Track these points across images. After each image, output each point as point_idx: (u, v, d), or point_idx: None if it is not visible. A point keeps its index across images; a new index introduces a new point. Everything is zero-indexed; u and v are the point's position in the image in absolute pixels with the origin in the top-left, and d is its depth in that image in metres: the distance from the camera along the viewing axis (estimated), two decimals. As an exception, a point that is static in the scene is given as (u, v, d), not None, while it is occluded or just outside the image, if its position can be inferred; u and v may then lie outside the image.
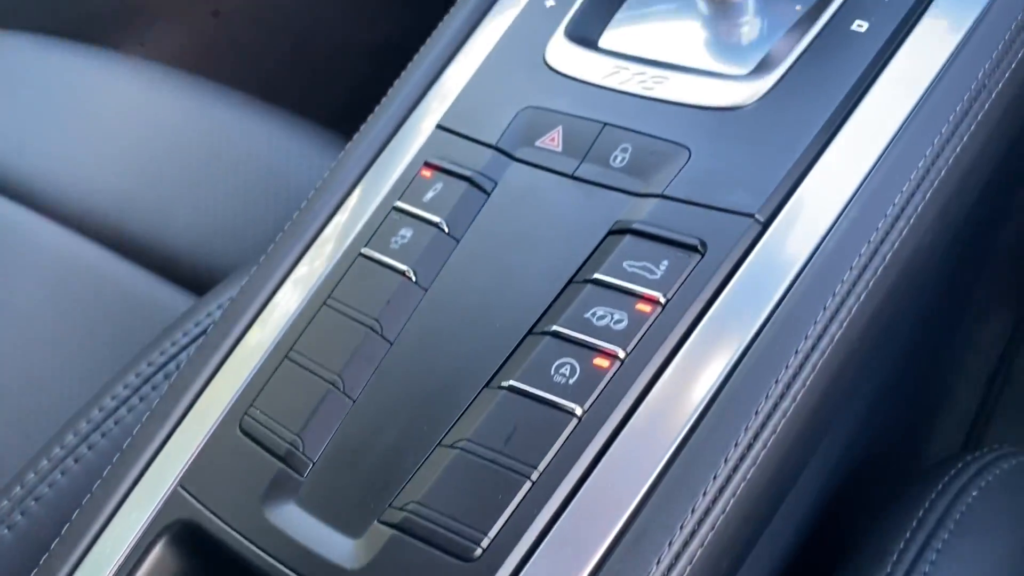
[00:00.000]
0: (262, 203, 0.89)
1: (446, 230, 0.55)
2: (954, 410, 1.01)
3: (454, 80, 0.64)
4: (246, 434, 0.53)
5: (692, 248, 0.50)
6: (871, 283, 0.48)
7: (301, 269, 0.58)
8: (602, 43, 0.64)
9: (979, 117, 0.52)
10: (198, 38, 1.34)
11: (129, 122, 1.00)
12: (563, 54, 0.61)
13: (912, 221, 0.50)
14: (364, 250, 0.56)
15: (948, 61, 0.54)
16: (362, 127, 0.63)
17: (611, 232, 0.52)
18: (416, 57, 0.67)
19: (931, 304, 0.73)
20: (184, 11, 1.35)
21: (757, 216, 0.50)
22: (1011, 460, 0.65)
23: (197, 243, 0.90)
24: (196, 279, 0.89)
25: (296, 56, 1.37)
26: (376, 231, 0.57)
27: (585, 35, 0.63)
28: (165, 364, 0.77)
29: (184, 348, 0.78)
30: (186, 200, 0.92)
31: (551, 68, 0.61)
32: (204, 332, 0.77)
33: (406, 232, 0.56)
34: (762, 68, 0.57)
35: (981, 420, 1.05)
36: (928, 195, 0.51)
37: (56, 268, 0.95)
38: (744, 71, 0.58)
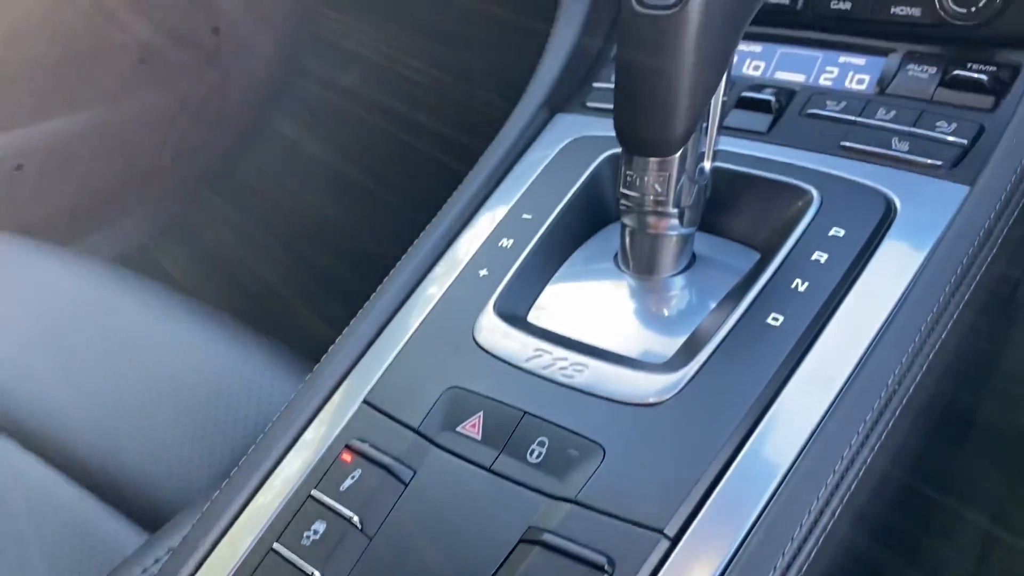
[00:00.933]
0: (213, 433, 0.89)
1: (359, 527, 0.55)
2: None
3: (387, 349, 0.65)
4: None
5: (599, 567, 0.49)
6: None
7: (215, 559, 0.57)
8: (532, 315, 0.65)
9: (890, 424, 0.52)
10: (164, 235, 1.37)
11: (83, 330, 1.00)
12: (490, 331, 0.62)
13: (819, 543, 0.49)
14: (275, 546, 0.55)
15: (860, 361, 0.54)
16: (292, 399, 0.64)
17: (523, 540, 0.51)
18: (353, 322, 0.68)
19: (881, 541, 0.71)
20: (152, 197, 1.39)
21: (666, 532, 0.49)
22: None
23: (148, 473, 0.89)
24: (146, 511, 0.87)
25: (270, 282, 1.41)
26: (290, 522, 0.56)
27: (513, 310, 0.64)
28: None
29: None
30: (139, 424, 0.92)
31: (478, 345, 0.62)
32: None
33: (319, 527, 0.55)
34: (679, 358, 0.57)
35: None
36: (845, 500, 0.51)
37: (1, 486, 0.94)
38: (665, 352, 0.59)
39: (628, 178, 0.60)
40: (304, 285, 1.41)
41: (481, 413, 0.58)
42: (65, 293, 1.06)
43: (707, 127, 0.59)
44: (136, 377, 0.96)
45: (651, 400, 0.55)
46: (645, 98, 0.56)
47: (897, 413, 0.53)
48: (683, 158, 0.58)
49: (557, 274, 0.68)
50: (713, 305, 0.61)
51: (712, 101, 0.58)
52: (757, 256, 0.64)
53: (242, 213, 1.50)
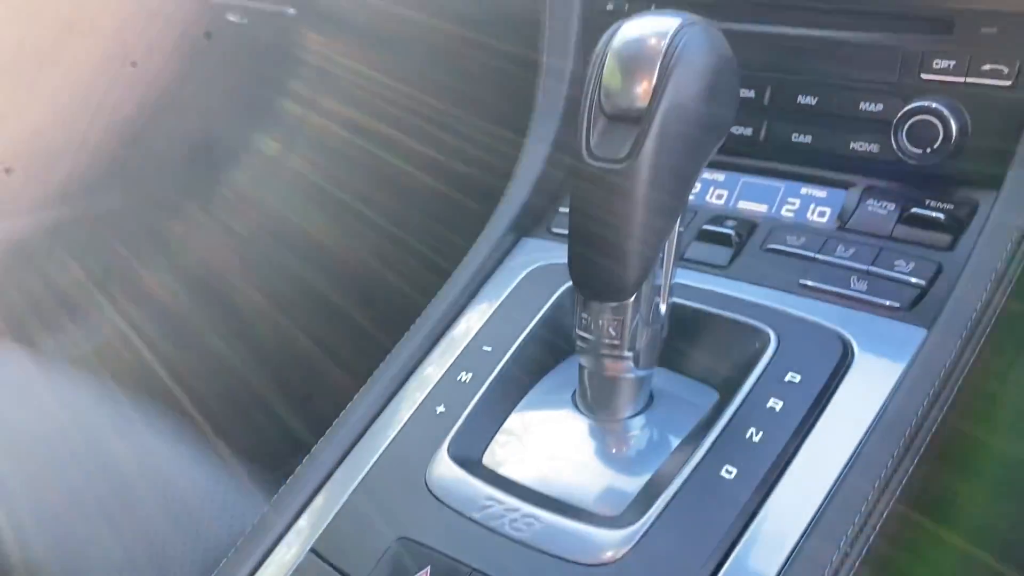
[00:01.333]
0: (172, 557, 0.87)
1: None
2: None
3: (338, 492, 0.64)
4: None
5: None
6: None
7: None
8: (488, 454, 0.64)
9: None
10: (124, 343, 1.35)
11: (43, 444, 0.98)
12: (443, 478, 0.61)
13: None
14: None
15: (812, 520, 0.53)
16: (239, 544, 0.62)
17: None
18: (306, 459, 0.67)
19: None
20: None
21: None
22: None
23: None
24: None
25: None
26: None
27: (468, 452, 0.63)
28: None
29: None
30: (98, 545, 0.90)
31: (430, 491, 0.61)
32: None
33: None
34: (632, 512, 0.56)
35: None
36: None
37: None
38: (622, 495, 0.57)
39: (583, 320, 0.60)
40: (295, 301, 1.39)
41: (428, 568, 0.57)
42: (25, 402, 1.04)
43: (663, 266, 0.59)
44: (95, 496, 0.94)
45: (601, 559, 0.54)
46: (597, 247, 0.56)
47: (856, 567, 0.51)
48: (637, 302, 0.58)
49: (517, 408, 0.67)
50: (671, 448, 0.60)
51: (666, 245, 0.58)
52: (715, 396, 0.64)
53: (226, 231, 1.47)
